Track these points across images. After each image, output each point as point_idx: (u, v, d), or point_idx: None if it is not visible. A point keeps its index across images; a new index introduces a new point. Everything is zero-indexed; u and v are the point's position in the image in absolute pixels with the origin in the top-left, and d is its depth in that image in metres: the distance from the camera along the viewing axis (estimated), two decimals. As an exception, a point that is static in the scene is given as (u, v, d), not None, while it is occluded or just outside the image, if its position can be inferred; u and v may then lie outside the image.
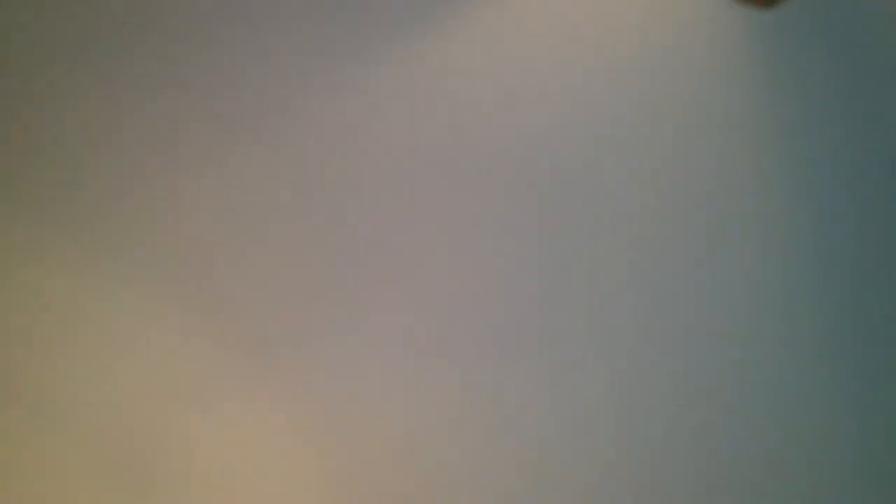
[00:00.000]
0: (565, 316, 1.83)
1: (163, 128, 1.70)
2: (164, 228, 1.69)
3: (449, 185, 1.80)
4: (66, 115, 1.67)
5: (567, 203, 1.85)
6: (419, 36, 1.81)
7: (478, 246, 1.80)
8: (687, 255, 1.89)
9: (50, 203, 1.66)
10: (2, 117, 1.65)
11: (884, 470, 1.94)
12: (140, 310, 1.67)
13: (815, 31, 1.98)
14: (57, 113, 1.67)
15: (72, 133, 1.67)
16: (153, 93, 1.71)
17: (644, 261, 1.87)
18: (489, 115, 1.83)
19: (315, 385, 1.71)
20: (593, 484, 1.81)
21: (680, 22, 1.91)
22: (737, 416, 1.88)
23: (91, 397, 1.63)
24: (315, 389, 1.71)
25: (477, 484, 1.76)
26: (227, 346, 1.69)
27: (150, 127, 1.70)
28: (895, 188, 2.00)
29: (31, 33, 1.67)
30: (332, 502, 1.70)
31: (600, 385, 1.83)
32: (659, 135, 1.90)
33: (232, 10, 1.75)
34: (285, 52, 1.76)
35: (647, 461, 1.84)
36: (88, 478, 1.61)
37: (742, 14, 1.93)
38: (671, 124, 1.90)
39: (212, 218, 1.71)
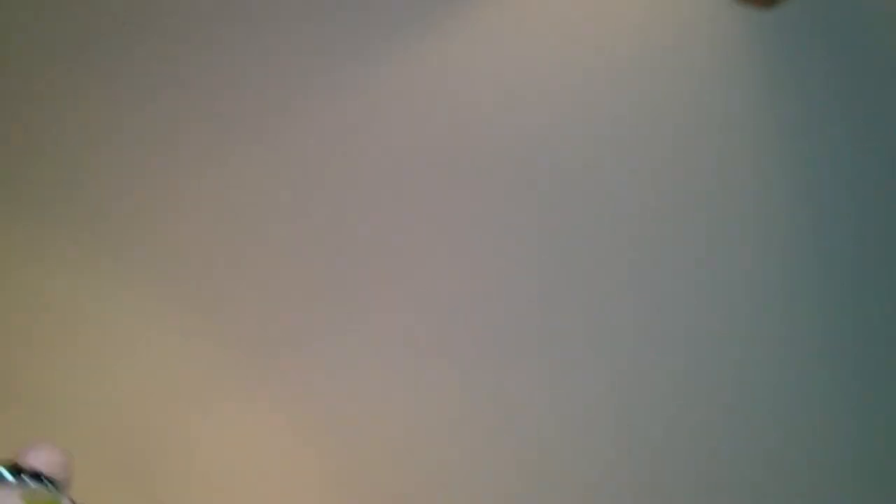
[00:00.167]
0: (565, 316, 1.83)
1: (163, 128, 1.70)
2: (164, 228, 1.69)
3: (449, 185, 1.80)
4: (66, 115, 1.67)
5: (567, 203, 1.85)
6: (419, 36, 1.81)
7: (478, 246, 1.80)
8: (687, 255, 1.89)
9: (50, 203, 1.66)
10: (2, 117, 1.65)
11: (884, 470, 1.94)
12: (140, 310, 1.67)
13: (815, 31, 1.97)
14: (57, 113, 1.67)
15: (72, 133, 1.67)
16: (153, 93, 1.71)
17: (644, 261, 1.87)
18: (489, 115, 1.83)
19: (315, 385, 1.71)
20: (593, 484, 1.81)
21: (680, 22, 1.91)
22: (737, 416, 1.88)
23: (91, 397, 1.63)
24: (315, 389, 1.71)
25: (477, 484, 1.76)
26: (227, 346, 1.69)
27: (150, 127, 1.70)
28: (895, 188, 2.00)
29: (31, 33, 1.67)
30: (332, 502, 1.70)
31: (600, 385, 1.83)
32: (659, 135, 1.89)
33: (232, 10, 1.75)
34: (285, 52, 1.76)
35: (647, 461, 1.83)
36: (88, 478, 1.61)
37: (742, 14, 1.93)
38: (671, 124, 1.90)
39: (212, 218, 1.71)
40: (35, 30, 1.67)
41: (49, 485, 1.29)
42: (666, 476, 1.85)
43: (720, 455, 1.87)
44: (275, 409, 1.69)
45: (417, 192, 1.79)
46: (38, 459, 1.29)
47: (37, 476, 1.28)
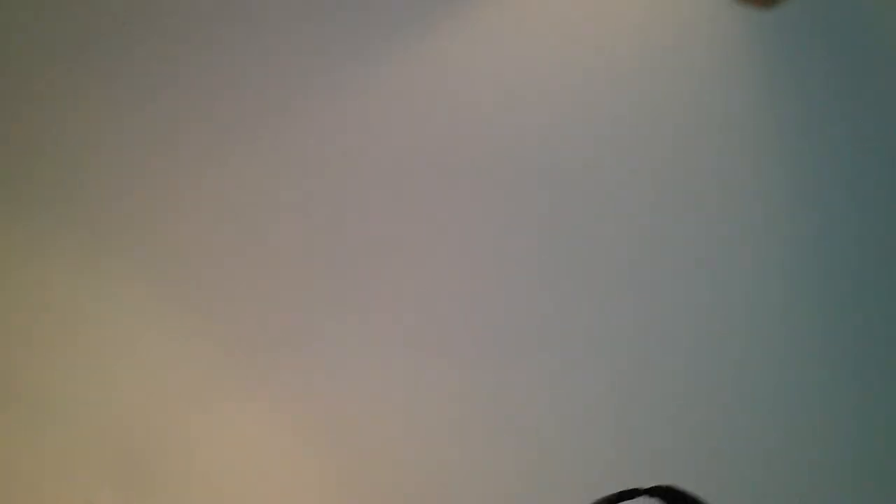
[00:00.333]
0: (565, 316, 1.83)
1: (163, 128, 1.70)
2: (164, 228, 1.69)
3: (449, 184, 1.80)
4: (66, 115, 1.67)
5: (567, 203, 1.85)
6: (419, 36, 1.81)
7: (478, 246, 1.80)
8: (687, 255, 1.89)
9: (50, 203, 1.66)
10: (2, 117, 1.65)
11: (884, 470, 1.94)
12: (140, 310, 1.67)
13: (815, 31, 1.97)
14: (57, 113, 1.67)
15: (72, 133, 1.67)
16: (153, 93, 1.71)
17: (644, 261, 1.87)
18: (489, 115, 1.83)
19: (315, 385, 1.71)
20: (593, 484, 1.81)
21: (680, 22, 1.91)
22: (737, 416, 1.88)
23: (91, 397, 1.63)
24: (315, 389, 1.71)
25: (477, 484, 1.76)
26: (227, 346, 1.69)
27: (150, 127, 1.70)
28: (895, 188, 2.00)
29: (31, 33, 1.67)
30: (332, 502, 1.70)
31: (600, 385, 1.83)
32: (659, 135, 1.90)
33: (232, 10, 1.75)
34: (285, 52, 1.76)
35: (647, 461, 1.83)
36: (88, 478, 1.61)
37: (742, 14, 1.93)
38: (671, 124, 1.90)
39: (212, 218, 1.71)
40: (35, 30, 1.67)
41: None
42: (666, 476, 1.85)
43: (720, 455, 1.87)
44: (275, 409, 1.69)
45: (417, 191, 1.79)
46: None
47: None
